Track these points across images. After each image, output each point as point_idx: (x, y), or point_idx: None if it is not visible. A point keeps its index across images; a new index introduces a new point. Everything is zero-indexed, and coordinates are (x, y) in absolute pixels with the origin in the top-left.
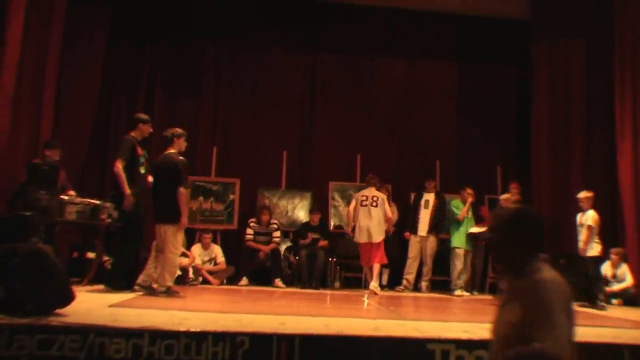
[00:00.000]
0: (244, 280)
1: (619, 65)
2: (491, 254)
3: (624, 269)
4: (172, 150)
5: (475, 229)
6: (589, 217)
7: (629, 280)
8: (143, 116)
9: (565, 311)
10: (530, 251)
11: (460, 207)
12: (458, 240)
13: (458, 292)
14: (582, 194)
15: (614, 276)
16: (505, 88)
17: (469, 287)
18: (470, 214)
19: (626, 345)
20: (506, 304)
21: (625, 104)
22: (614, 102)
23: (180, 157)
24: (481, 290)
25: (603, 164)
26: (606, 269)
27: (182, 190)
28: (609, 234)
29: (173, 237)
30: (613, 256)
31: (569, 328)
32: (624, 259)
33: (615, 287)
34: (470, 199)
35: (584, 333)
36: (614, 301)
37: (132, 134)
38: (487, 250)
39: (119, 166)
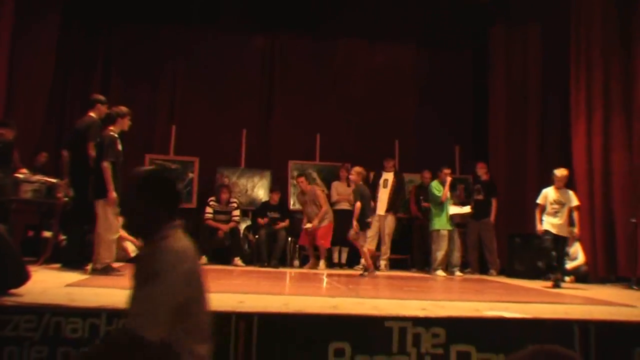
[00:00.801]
0: (203, 259)
1: (574, 49)
2: (122, 217)
3: (577, 248)
4: (110, 128)
5: (456, 209)
6: (573, 198)
7: (580, 259)
8: (101, 97)
9: (183, 283)
10: (161, 215)
11: (440, 189)
12: (441, 222)
13: (440, 272)
14: (559, 171)
15: (567, 255)
16: (463, 70)
17: (460, 266)
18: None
19: (575, 320)
20: (136, 272)
21: (580, 86)
22: (569, 85)
23: (112, 133)
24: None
25: (558, 145)
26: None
27: (105, 164)
28: None
29: (105, 212)
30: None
31: (179, 300)
32: (576, 239)
33: (568, 265)
34: (449, 179)
35: (539, 309)
36: (567, 279)
37: (92, 113)
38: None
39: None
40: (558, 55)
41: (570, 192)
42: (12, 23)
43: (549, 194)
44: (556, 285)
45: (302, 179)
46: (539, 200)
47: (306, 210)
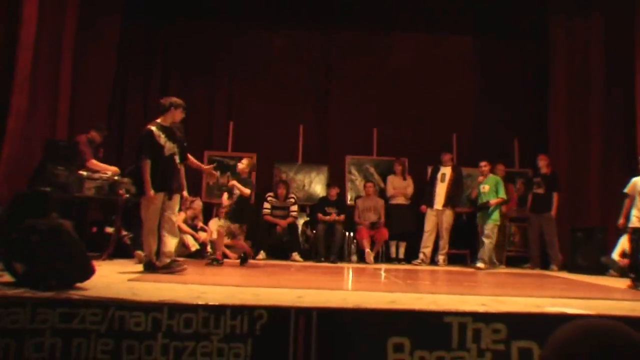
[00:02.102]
0: (262, 255)
1: (638, 39)
2: None
3: None
4: (165, 121)
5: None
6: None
7: None
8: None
9: None
10: None
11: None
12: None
13: (480, 264)
14: None
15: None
16: (522, 61)
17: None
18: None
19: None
20: None
21: None
22: (635, 77)
23: (150, 127)
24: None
25: (623, 138)
26: (624, 242)
27: (142, 162)
28: None
29: (145, 210)
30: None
31: None
32: None
33: None
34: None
35: (603, 305)
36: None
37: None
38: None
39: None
40: (622, 46)
41: None
42: (77, 19)
43: (638, 183)
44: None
45: (372, 184)
46: (627, 190)
47: (366, 215)
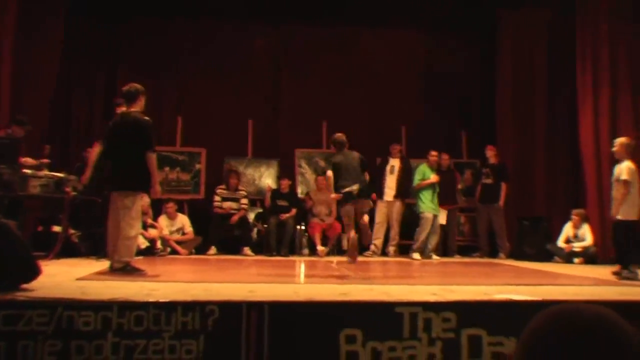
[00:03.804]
0: (213, 250)
1: (580, 28)
2: None
3: (585, 229)
4: (136, 109)
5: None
6: (622, 170)
7: (589, 240)
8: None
9: None
10: None
11: (423, 173)
12: (425, 206)
13: (416, 255)
14: (618, 140)
15: (576, 236)
16: (469, 54)
17: (439, 250)
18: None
19: (585, 301)
20: None
21: (586, 66)
22: (576, 67)
23: (147, 117)
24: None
25: (566, 127)
26: (568, 229)
27: (152, 155)
28: (570, 195)
29: (132, 206)
30: (574, 217)
31: None
32: (585, 219)
33: (577, 246)
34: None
35: (548, 291)
36: (576, 260)
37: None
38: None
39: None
40: (566, 40)
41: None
42: (17, 17)
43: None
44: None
45: (322, 179)
46: (628, 176)
47: (318, 208)
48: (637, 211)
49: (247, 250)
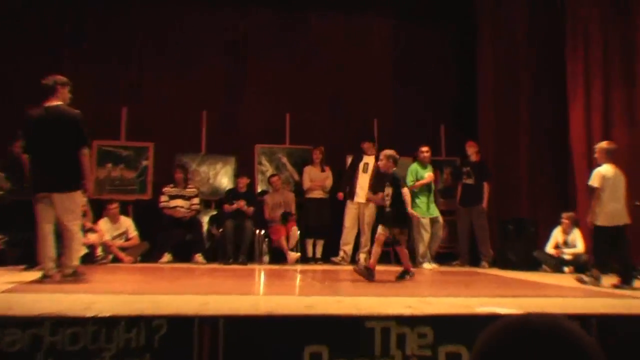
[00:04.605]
0: (166, 257)
1: (571, 17)
2: None
3: (576, 235)
4: (59, 102)
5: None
6: (593, 176)
7: (580, 246)
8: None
9: None
10: None
11: (416, 172)
12: (420, 210)
13: (427, 265)
14: (598, 145)
15: (565, 242)
16: (447, 43)
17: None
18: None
19: (575, 314)
20: None
21: (577, 57)
22: (565, 57)
23: (77, 110)
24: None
25: (552, 121)
26: (557, 234)
27: (86, 151)
28: (559, 197)
29: (75, 207)
30: (564, 221)
31: None
32: (576, 223)
33: (567, 253)
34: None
35: (536, 303)
36: (566, 269)
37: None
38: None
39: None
40: (553, 25)
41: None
42: None
43: (607, 175)
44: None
45: (277, 178)
46: (594, 183)
47: (276, 211)
48: (610, 217)
49: (198, 257)
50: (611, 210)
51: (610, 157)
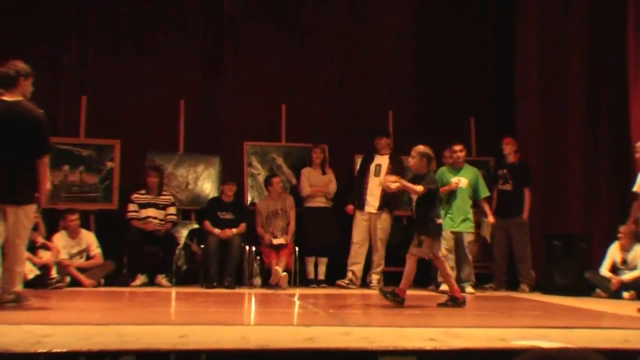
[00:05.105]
0: (140, 279)
1: None
2: None
3: (637, 253)
4: (18, 97)
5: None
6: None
7: None
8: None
9: None
10: None
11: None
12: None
13: (470, 288)
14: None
15: (624, 262)
16: (480, 19)
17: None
18: None
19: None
20: None
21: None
22: (627, 36)
23: (40, 110)
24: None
25: (611, 116)
26: (614, 252)
27: (46, 160)
28: (619, 207)
29: (29, 223)
30: (622, 236)
31: None
32: (637, 239)
33: (626, 275)
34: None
35: (588, 336)
36: (625, 294)
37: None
38: None
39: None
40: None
41: None
42: None
43: None
44: None
45: (279, 180)
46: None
47: (272, 222)
48: None
49: (162, 279)
50: None
51: None
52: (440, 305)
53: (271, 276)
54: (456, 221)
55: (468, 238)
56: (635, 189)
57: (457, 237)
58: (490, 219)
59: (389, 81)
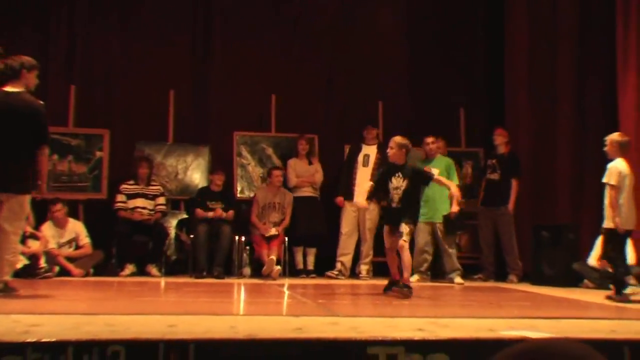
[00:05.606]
0: (129, 269)
1: None
2: None
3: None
4: (20, 89)
5: None
6: (610, 173)
7: (630, 258)
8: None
9: None
10: None
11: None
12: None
13: (458, 279)
14: (609, 137)
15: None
16: (469, 7)
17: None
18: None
19: (626, 340)
20: None
21: (629, 23)
22: (616, 22)
23: (40, 101)
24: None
25: (601, 106)
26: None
27: (46, 150)
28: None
29: (22, 213)
30: None
31: None
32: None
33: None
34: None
35: (575, 326)
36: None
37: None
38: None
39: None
40: None
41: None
42: None
43: (622, 171)
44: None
45: (279, 173)
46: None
47: (268, 214)
48: (625, 220)
49: (152, 269)
50: (626, 212)
51: (624, 150)
52: (386, 290)
53: (265, 266)
54: (429, 212)
55: (441, 227)
56: (604, 179)
57: (432, 228)
58: (454, 208)
59: (379, 72)
